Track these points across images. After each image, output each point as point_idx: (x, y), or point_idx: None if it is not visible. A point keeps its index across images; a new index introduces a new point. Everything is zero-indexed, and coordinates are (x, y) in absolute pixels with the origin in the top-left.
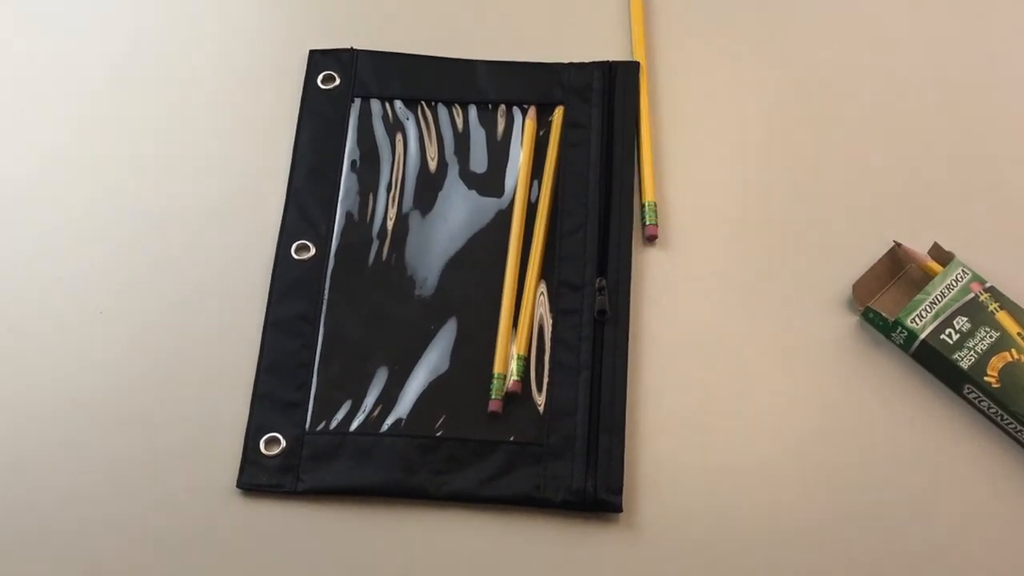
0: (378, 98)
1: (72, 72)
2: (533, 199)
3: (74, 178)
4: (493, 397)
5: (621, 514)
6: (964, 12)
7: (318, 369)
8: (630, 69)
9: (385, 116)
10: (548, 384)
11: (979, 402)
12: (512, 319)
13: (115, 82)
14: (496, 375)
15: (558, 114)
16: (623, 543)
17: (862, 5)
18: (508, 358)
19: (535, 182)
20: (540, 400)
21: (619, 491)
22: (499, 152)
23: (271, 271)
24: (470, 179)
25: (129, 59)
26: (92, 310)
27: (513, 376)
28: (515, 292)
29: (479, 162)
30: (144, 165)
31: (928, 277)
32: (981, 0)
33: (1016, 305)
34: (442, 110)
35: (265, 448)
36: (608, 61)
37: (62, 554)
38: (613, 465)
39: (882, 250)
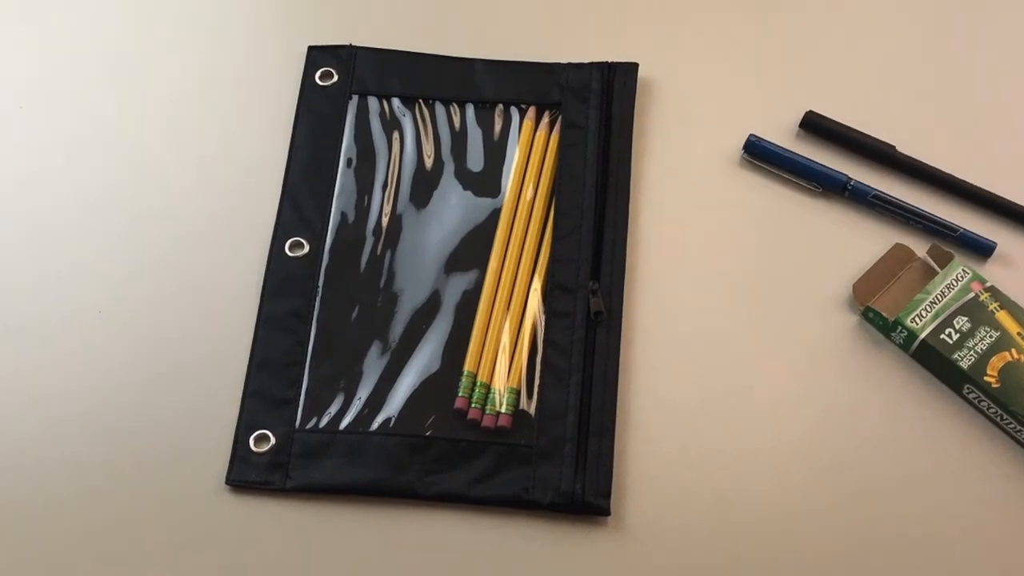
0: (376, 95)
1: (68, 69)
2: (528, 200)
3: (69, 176)
4: (460, 395)
5: (609, 517)
6: (962, 12)
7: (309, 366)
8: (628, 70)
9: (382, 114)
10: (539, 386)
11: (979, 402)
12: (487, 318)
13: (111, 79)
14: (466, 373)
15: (556, 116)
16: (611, 546)
17: None
18: (480, 357)
19: (530, 183)
20: (531, 402)
21: (607, 494)
22: (496, 152)
23: (264, 267)
24: (466, 178)
25: (126, 54)
26: (87, 308)
27: (503, 409)
28: (493, 292)
29: (476, 161)
30: (140, 161)
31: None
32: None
33: (1016, 305)
34: (440, 108)
35: (255, 445)
36: (607, 62)
37: (52, 548)
38: (602, 468)
39: (882, 249)
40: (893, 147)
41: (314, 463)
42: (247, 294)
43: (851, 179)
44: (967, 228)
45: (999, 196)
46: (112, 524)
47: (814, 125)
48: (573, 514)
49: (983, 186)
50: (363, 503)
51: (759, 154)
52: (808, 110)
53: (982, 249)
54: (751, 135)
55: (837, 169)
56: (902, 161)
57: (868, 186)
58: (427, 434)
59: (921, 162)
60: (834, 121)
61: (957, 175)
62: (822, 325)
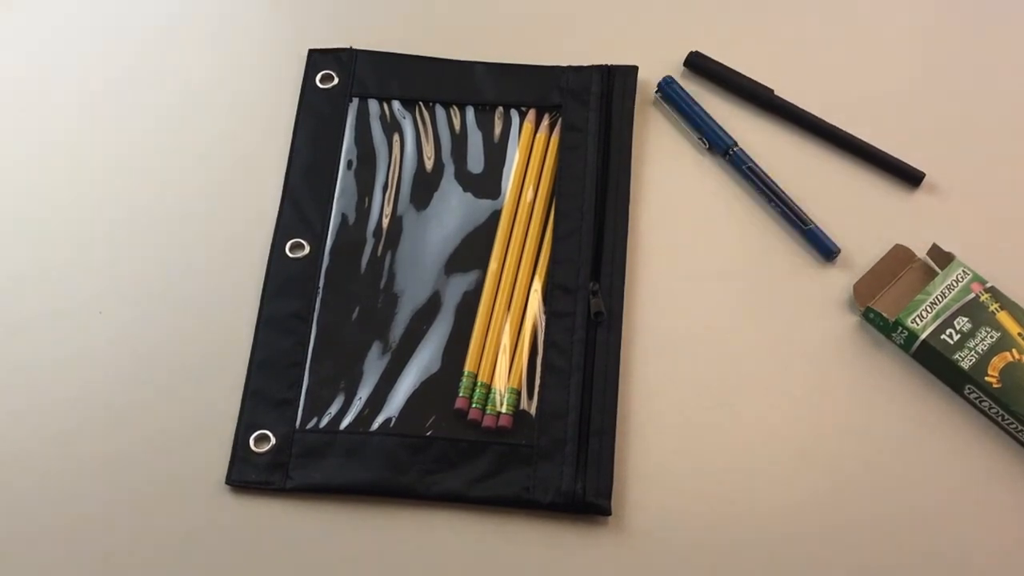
0: (376, 98)
1: (70, 72)
2: (528, 201)
3: (69, 177)
4: (460, 395)
5: (610, 517)
6: (958, 14)
7: (310, 367)
8: (628, 73)
9: (383, 116)
10: (540, 386)
11: (980, 402)
12: (488, 319)
13: (113, 81)
14: (467, 373)
15: (556, 118)
16: (611, 546)
17: None
18: (480, 357)
19: (530, 185)
20: (531, 402)
21: (608, 494)
22: (496, 154)
23: (265, 268)
24: (466, 180)
25: (128, 57)
26: (88, 309)
27: (503, 409)
28: (493, 293)
29: (476, 163)
30: (142, 162)
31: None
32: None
33: (1016, 305)
34: (440, 111)
35: (255, 445)
36: (607, 65)
37: (52, 547)
38: (603, 468)
39: (883, 250)
40: (771, 90)
41: (314, 463)
42: (248, 295)
43: (735, 145)
44: (818, 225)
45: (868, 143)
46: (112, 523)
47: (697, 65)
48: (574, 514)
49: (854, 132)
50: (363, 503)
51: (669, 98)
52: (692, 50)
53: (824, 251)
54: (665, 76)
55: (713, 119)
56: (779, 104)
57: (747, 155)
58: (427, 434)
59: (796, 106)
60: (716, 62)
61: (830, 121)
62: (822, 325)
